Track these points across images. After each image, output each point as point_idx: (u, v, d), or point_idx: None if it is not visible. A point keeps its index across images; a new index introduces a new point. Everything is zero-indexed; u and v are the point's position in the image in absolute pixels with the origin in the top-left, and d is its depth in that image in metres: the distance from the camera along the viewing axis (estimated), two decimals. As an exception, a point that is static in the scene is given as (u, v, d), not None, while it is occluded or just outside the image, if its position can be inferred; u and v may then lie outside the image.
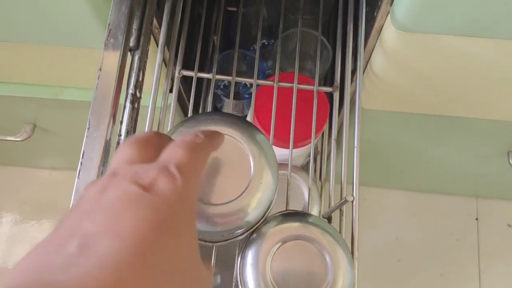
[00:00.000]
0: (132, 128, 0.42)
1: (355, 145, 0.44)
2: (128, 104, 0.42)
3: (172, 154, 0.26)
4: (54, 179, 1.09)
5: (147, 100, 0.45)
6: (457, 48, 0.48)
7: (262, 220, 0.38)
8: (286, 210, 0.43)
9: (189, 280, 0.24)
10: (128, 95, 0.42)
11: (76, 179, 0.31)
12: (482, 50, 0.48)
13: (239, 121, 0.37)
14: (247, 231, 0.38)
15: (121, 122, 0.41)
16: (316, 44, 0.66)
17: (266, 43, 0.78)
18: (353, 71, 0.54)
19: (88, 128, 0.33)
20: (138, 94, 0.43)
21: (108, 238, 0.21)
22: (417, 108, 0.64)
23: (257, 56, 0.57)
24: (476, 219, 1.05)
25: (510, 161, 0.74)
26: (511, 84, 0.55)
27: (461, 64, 0.51)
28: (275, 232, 0.39)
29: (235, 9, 0.76)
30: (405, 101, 0.62)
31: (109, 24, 0.37)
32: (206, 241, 0.37)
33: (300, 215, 0.41)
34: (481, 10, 0.42)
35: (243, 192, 0.36)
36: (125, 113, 0.41)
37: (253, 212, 0.36)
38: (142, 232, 0.21)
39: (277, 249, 0.38)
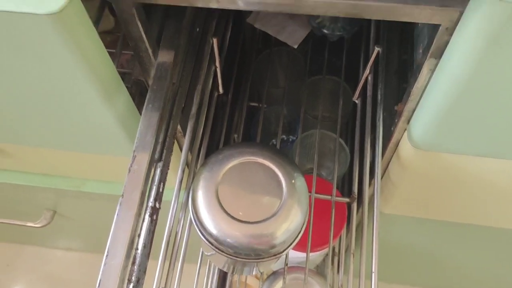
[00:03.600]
0: (149, 241, 0.42)
1: (373, 263, 0.43)
2: (147, 217, 0.42)
3: None
4: (69, 260, 1.09)
5: (169, 195, 0.46)
6: (472, 167, 0.48)
7: (287, 249, 0.39)
8: None
9: None
10: (148, 208, 0.43)
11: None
12: (497, 170, 0.48)
13: (280, 153, 0.40)
14: (270, 255, 0.38)
15: (139, 235, 0.41)
16: (333, 144, 0.67)
17: (285, 138, 0.80)
18: (370, 179, 0.55)
19: (107, 256, 0.33)
20: (157, 205, 0.44)
21: None
22: (433, 215, 0.64)
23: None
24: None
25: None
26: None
27: (476, 181, 0.51)
28: None
29: (257, 104, 0.78)
30: (422, 208, 0.62)
31: (137, 139, 0.38)
32: (232, 256, 0.38)
33: None
34: (495, 134, 0.43)
35: (272, 216, 0.37)
36: (143, 227, 0.42)
37: (280, 237, 0.37)
38: None
39: None
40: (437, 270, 0.89)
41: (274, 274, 0.64)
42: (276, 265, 0.71)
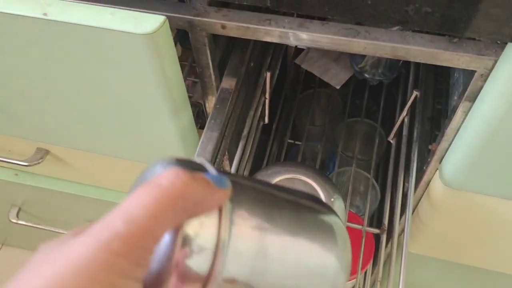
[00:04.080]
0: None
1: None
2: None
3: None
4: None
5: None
6: (502, 210, 0.51)
7: None
8: None
9: None
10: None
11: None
12: (526, 214, 0.51)
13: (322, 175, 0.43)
14: None
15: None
16: (365, 184, 0.71)
17: (318, 175, 0.84)
18: (401, 215, 0.58)
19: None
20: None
21: None
22: (461, 259, 0.65)
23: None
24: None
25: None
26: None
27: (504, 225, 0.53)
28: None
29: (293, 141, 0.83)
30: (450, 250, 0.64)
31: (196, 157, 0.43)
32: None
33: None
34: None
35: None
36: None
37: None
38: None
39: None
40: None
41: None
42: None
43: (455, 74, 0.53)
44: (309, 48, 0.67)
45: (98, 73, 0.43)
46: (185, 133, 0.48)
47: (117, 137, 0.53)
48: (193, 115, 0.54)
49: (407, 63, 0.65)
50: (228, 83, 0.47)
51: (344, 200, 0.63)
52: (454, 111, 0.45)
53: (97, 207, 0.78)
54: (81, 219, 0.84)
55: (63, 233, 0.81)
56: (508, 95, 0.38)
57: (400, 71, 0.66)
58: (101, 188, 0.74)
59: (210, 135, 0.43)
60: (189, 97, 0.56)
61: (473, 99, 0.42)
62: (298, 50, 0.69)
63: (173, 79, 0.43)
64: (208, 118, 0.45)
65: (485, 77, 0.40)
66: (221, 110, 0.45)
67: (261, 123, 0.62)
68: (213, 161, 0.49)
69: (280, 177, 0.44)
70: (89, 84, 0.45)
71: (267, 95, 0.57)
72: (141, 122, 0.48)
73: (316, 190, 0.43)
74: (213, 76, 0.48)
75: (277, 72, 0.64)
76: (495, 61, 0.38)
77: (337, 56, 0.66)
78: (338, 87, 0.64)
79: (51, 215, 0.87)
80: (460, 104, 0.44)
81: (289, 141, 0.81)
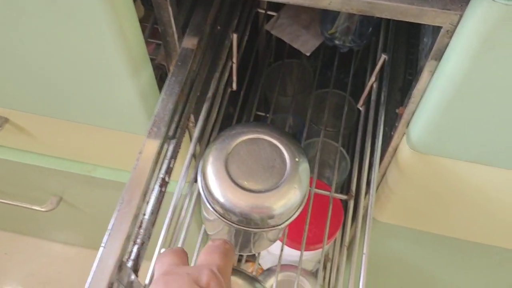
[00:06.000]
0: (156, 209, 0.44)
1: (364, 251, 0.46)
2: (156, 187, 0.45)
3: (210, 259, 0.34)
4: (65, 255, 1.10)
5: (171, 186, 0.49)
6: (469, 174, 0.51)
7: (284, 223, 0.41)
8: None
9: None
10: (158, 179, 0.46)
11: (102, 248, 0.34)
12: (493, 178, 0.51)
13: (288, 135, 0.44)
14: (269, 226, 0.41)
15: (148, 203, 0.44)
16: (335, 154, 0.70)
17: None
18: (368, 183, 0.57)
19: (121, 203, 0.36)
20: (167, 179, 0.47)
21: None
22: (429, 227, 0.66)
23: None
24: None
25: (523, 293, 0.73)
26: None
27: (473, 190, 0.54)
28: None
29: (263, 114, 0.82)
30: (418, 218, 0.64)
31: (155, 116, 0.42)
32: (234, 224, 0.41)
33: None
34: (493, 140, 0.45)
35: (274, 189, 0.40)
36: (152, 195, 0.44)
37: (278, 209, 0.40)
38: None
39: None
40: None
41: (268, 271, 0.65)
42: (269, 262, 0.73)
43: (425, 39, 0.53)
44: (279, 15, 0.66)
45: (53, 30, 0.41)
46: (146, 94, 0.47)
47: (76, 99, 0.51)
48: (157, 78, 0.52)
49: (377, 31, 0.64)
50: (190, 42, 0.45)
51: (313, 170, 0.62)
52: (420, 71, 0.45)
53: (61, 180, 0.76)
54: (47, 193, 0.82)
55: (27, 208, 0.77)
56: (472, 50, 0.37)
57: (371, 39, 0.66)
58: (65, 160, 0.72)
59: (170, 93, 0.42)
60: (152, 60, 0.54)
61: (439, 57, 0.42)
62: (269, 18, 0.67)
63: (131, 37, 0.41)
64: (169, 76, 0.43)
65: (450, 34, 0.39)
66: (182, 68, 0.44)
67: (229, 90, 0.61)
68: (175, 123, 0.47)
69: (244, 137, 0.42)
70: (43, 42, 0.43)
71: (235, 59, 0.56)
72: (99, 82, 0.46)
73: (280, 150, 0.42)
74: (175, 35, 0.47)
75: (245, 37, 0.63)
76: (461, 16, 0.38)
77: (308, 23, 0.65)
78: (308, 54, 0.63)
79: (13, 189, 0.84)
80: (427, 63, 0.43)
81: (259, 113, 0.79)
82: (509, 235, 0.62)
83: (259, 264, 0.75)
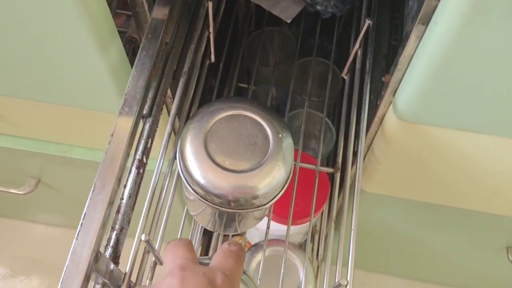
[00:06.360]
0: (134, 192, 0.42)
1: (352, 227, 0.45)
2: (134, 169, 0.43)
3: (225, 263, 0.35)
4: (49, 236, 1.08)
5: (151, 165, 0.47)
6: (456, 142, 0.50)
7: (269, 202, 0.40)
8: None
9: None
10: (135, 161, 0.43)
11: (75, 240, 0.32)
12: (481, 145, 0.50)
13: (269, 110, 0.42)
14: (253, 207, 0.40)
15: (125, 186, 0.42)
16: (320, 125, 0.68)
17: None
18: (355, 154, 0.56)
19: (93, 190, 0.34)
20: (144, 160, 0.44)
21: None
22: (416, 195, 0.65)
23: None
24: (475, 314, 1.01)
25: (509, 257, 0.74)
26: (510, 181, 0.56)
27: (460, 157, 0.52)
28: None
29: (246, 86, 0.79)
30: (405, 187, 0.63)
31: (125, 94, 0.39)
32: (217, 206, 0.39)
33: None
34: (482, 107, 0.44)
35: (257, 167, 0.38)
36: (130, 178, 0.42)
37: (262, 189, 0.38)
38: None
39: None
40: (417, 259, 0.91)
41: (255, 246, 0.64)
42: (257, 237, 0.72)
43: (410, 2, 0.50)
44: (257, -20, 0.62)
45: (8, 2, 0.38)
46: (117, 70, 0.44)
47: (43, 79, 0.48)
48: (128, 53, 0.49)
49: (360, -4, 0.62)
50: (161, 11, 0.42)
51: (298, 142, 0.60)
52: (407, 37, 0.42)
53: (38, 162, 0.73)
54: (24, 175, 0.79)
55: (4, 191, 0.73)
56: (462, 14, 0.35)
57: (354, 4, 0.63)
58: (41, 141, 0.69)
59: (141, 68, 0.39)
60: (123, 33, 0.50)
61: (426, 21, 0.39)
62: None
63: (96, 7, 0.38)
64: (138, 54, 0.40)
65: (438, -4, 0.37)
66: (153, 41, 0.41)
67: (207, 62, 0.58)
68: (151, 100, 0.45)
69: (223, 113, 0.40)
70: (1, 17, 0.40)
71: (211, 29, 0.53)
72: (65, 60, 0.42)
73: (262, 126, 0.40)
74: (145, 5, 0.43)
75: (222, 5, 0.59)
76: (449, -24, 0.35)
77: (287, -11, 0.61)
78: (288, 21, 0.60)
79: (-11, 173, 0.81)
80: (414, 28, 0.41)
81: (241, 84, 0.77)
82: (495, 200, 0.62)
83: (246, 239, 0.74)
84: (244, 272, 0.40)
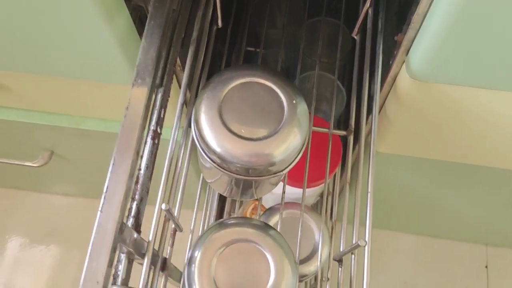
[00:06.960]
0: (151, 162, 0.43)
1: (369, 190, 0.45)
2: (149, 140, 0.43)
3: None
4: (66, 206, 1.10)
5: (166, 134, 0.47)
6: (470, 99, 0.49)
7: (285, 169, 0.40)
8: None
9: None
10: (150, 131, 0.43)
11: (99, 212, 0.32)
12: (495, 102, 0.49)
13: (281, 76, 0.41)
14: (270, 174, 0.39)
15: (141, 157, 0.42)
16: (331, 87, 0.68)
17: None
18: (367, 115, 0.56)
19: (113, 164, 0.34)
20: (159, 130, 0.44)
21: None
22: (429, 154, 0.65)
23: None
24: (486, 266, 1.03)
25: (522, 210, 0.74)
26: (523, 136, 0.55)
27: (474, 115, 0.52)
28: (218, 236, 0.40)
29: (254, 49, 0.78)
30: (418, 146, 0.63)
31: (137, 66, 0.38)
32: (234, 173, 0.39)
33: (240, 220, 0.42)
34: (496, 63, 0.43)
35: (273, 135, 0.38)
36: (146, 148, 0.43)
37: (279, 155, 0.38)
38: None
39: (221, 253, 0.39)
40: (430, 216, 0.92)
41: (270, 210, 0.65)
42: (271, 201, 0.73)
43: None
44: None
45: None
46: (124, 40, 0.43)
47: (51, 53, 0.47)
48: (135, 22, 0.49)
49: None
50: (168, -23, 0.41)
51: (310, 105, 0.60)
52: (421, -6, 0.41)
53: (50, 134, 0.74)
54: (38, 148, 0.80)
55: (19, 164, 0.74)
56: (479, -32, 0.34)
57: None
58: (52, 114, 0.69)
59: (150, 39, 0.38)
60: (129, 1, 0.49)
61: (441, -23, 0.38)
62: None
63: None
64: (147, 20, 0.39)
65: (455, -50, 0.36)
66: (161, 9, 0.40)
67: (215, 27, 0.57)
68: (161, 70, 0.44)
69: (235, 82, 0.40)
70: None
71: (218, -6, 0.51)
72: (71, 32, 0.42)
73: (276, 93, 0.40)
74: (151, -28, 0.42)
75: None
76: None
77: None
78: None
79: (2, 147, 0.82)
80: (428, -15, 0.40)
81: (249, 48, 0.75)
82: (509, 156, 0.62)
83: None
84: (273, 228, 0.41)
